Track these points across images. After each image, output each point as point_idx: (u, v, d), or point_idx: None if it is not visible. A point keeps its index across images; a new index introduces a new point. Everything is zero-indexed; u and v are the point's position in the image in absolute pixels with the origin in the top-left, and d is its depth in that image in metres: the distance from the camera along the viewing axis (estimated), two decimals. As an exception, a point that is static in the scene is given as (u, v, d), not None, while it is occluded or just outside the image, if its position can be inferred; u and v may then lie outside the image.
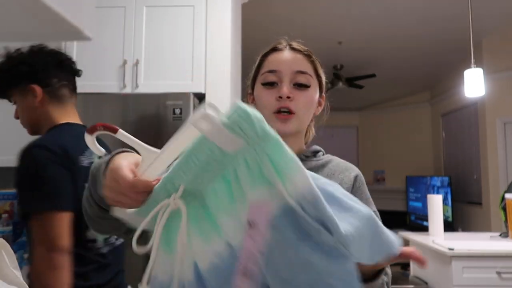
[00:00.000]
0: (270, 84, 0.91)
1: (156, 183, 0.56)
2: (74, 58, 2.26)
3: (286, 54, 0.93)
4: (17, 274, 0.69)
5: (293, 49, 0.94)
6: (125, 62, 2.26)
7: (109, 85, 2.25)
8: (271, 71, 0.91)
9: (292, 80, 0.90)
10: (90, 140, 0.64)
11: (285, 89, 0.88)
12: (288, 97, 0.88)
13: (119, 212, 0.62)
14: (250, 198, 0.50)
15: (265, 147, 0.48)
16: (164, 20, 2.30)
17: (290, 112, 0.88)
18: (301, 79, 0.90)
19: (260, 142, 0.48)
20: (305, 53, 0.94)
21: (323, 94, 0.98)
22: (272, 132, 0.48)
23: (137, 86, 2.24)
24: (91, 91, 2.24)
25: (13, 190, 2.41)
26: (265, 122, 0.48)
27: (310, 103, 0.92)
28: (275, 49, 0.95)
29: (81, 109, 2.14)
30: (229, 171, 0.51)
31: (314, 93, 0.93)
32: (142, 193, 0.57)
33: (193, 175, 0.53)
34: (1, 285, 0.65)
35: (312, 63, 0.94)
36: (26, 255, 2.00)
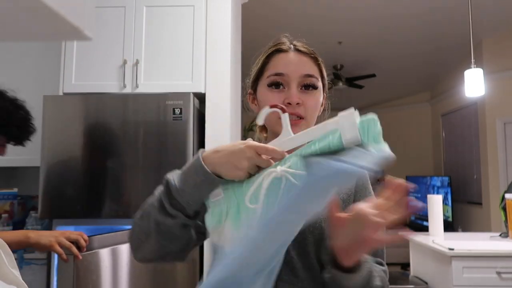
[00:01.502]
0: (276, 87, 0.89)
1: (284, 154, 0.70)
2: (74, 58, 2.28)
3: (292, 56, 0.91)
4: (16, 274, 0.69)
5: (298, 50, 0.92)
6: (125, 62, 2.26)
7: (109, 85, 2.25)
8: (277, 74, 0.89)
9: (300, 83, 0.89)
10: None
11: (294, 96, 0.87)
12: (298, 103, 0.87)
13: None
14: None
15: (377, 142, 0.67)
16: (164, 20, 2.30)
17: (299, 117, 0.88)
18: (309, 82, 0.90)
19: (372, 140, 0.67)
20: (312, 55, 0.93)
21: (324, 94, 0.98)
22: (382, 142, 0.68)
23: (137, 86, 2.24)
24: (91, 91, 2.24)
25: (13, 190, 2.42)
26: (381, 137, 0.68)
27: (317, 106, 0.92)
28: (279, 50, 0.93)
29: (81, 109, 2.14)
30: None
31: (320, 96, 0.93)
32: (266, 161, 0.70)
33: (304, 156, 0.68)
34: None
35: (319, 66, 0.93)
36: (26, 255, 2.00)
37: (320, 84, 0.92)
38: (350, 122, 0.67)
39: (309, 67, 0.91)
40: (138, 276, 1.56)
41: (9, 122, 1.40)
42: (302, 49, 0.93)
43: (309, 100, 0.89)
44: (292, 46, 0.93)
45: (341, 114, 0.69)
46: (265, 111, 0.76)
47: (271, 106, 0.76)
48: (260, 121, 0.77)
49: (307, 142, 0.70)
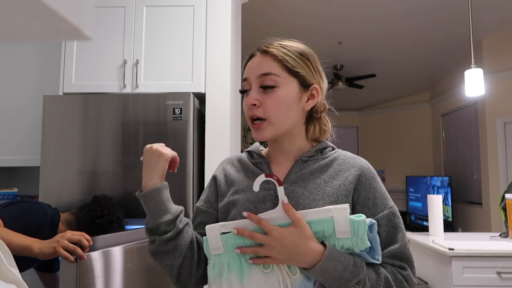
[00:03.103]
0: (244, 92, 0.92)
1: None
2: (74, 58, 2.28)
3: (255, 59, 0.92)
4: (15, 272, 0.69)
5: (263, 51, 0.91)
6: (125, 62, 2.26)
7: (109, 85, 2.25)
8: (244, 79, 0.93)
9: (259, 84, 0.89)
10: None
11: (250, 97, 0.89)
12: (254, 105, 0.88)
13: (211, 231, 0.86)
14: None
15: (359, 246, 0.80)
16: (164, 20, 2.30)
17: (260, 119, 0.88)
18: (266, 81, 0.88)
19: (359, 242, 0.80)
20: (272, 52, 0.89)
21: (315, 86, 0.92)
22: (367, 241, 0.80)
23: (137, 86, 2.24)
24: (91, 91, 2.24)
25: (13, 190, 2.42)
26: (366, 235, 0.80)
27: (281, 103, 0.87)
28: (250, 57, 0.95)
29: (81, 109, 2.14)
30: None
31: (285, 92, 0.88)
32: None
33: None
34: (-1, 284, 0.65)
35: (280, 61, 0.89)
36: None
37: (284, 80, 0.88)
38: (343, 219, 0.80)
39: (266, 66, 0.89)
40: (140, 277, 1.56)
41: (95, 221, 1.65)
42: (267, 48, 0.91)
43: (268, 99, 0.88)
44: (261, 48, 0.92)
45: (336, 207, 0.80)
46: (260, 179, 0.84)
47: (267, 176, 0.84)
48: (256, 188, 0.84)
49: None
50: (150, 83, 2.25)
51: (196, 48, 2.26)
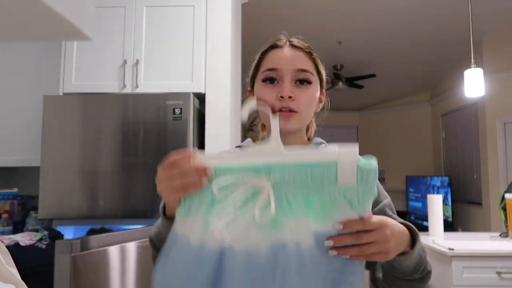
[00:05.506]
0: (270, 82, 0.89)
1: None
2: (74, 58, 2.28)
3: (287, 51, 0.91)
4: (13, 272, 0.69)
5: (293, 46, 0.92)
6: (125, 62, 2.26)
7: (109, 85, 2.25)
8: (271, 69, 0.89)
9: (293, 78, 0.89)
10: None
11: (287, 89, 0.87)
12: (290, 97, 0.87)
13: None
14: (337, 218, 0.66)
15: (367, 197, 0.65)
16: (164, 20, 2.30)
17: (291, 111, 0.88)
18: (304, 77, 0.89)
19: (366, 193, 0.65)
20: (306, 50, 0.92)
21: (324, 91, 0.97)
22: (376, 190, 0.66)
23: (137, 86, 2.24)
24: (91, 91, 2.24)
25: (13, 190, 2.42)
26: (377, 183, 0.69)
27: (311, 101, 0.91)
28: (275, 46, 0.93)
29: (81, 109, 2.14)
30: (323, 194, 0.66)
31: (315, 91, 0.92)
32: (204, 173, 0.68)
33: (292, 177, 0.66)
34: (-2, 284, 0.65)
35: (313, 60, 0.92)
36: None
37: (314, 79, 0.92)
38: (351, 163, 0.65)
39: (303, 62, 0.90)
40: (138, 276, 1.56)
41: None
42: (297, 44, 0.93)
43: (303, 94, 0.89)
44: (287, 42, 0.93)
45: (343, 149, 0.66)
46: (250, 104, 0.74)
47: (259, 101, 0.73)
48: (244, 113, 0.74)
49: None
50: (150, 83, 2.25)
51: (196, 48, 2.26)
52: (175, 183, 0.70)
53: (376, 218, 0.67)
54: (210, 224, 0.67)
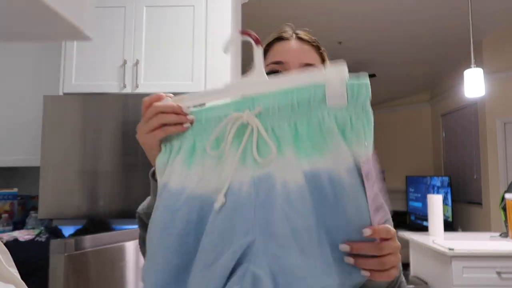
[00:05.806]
0: (270, 73, 0.83)
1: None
2: (74, 58, 2.28)
3: (293, 44, 0.87)
4: (13, 272, 0.69)
5: (300, 39, 0.88)
6: (125, 62, 2.26)
7: (109, 85, 2.25)
8: (277, 62, 0.84)
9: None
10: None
11: None
12: None
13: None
14: (332, 149, 0.57)
15: (360, 118, 0.58)
16: (164, 20, 2.30)
17: None
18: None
19: (359, 112, 0.58)
20: (314, 44, 0.88)
21: None
22: (371, 111, 0.59)
23: (137, 86, 2.24)
24: (91, 91, 2.24)
25: (13, 190, 2.42)
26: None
27: None
28: (281, 38, 0.88)
29: (81, 109, 2.14)
30: (311, 120, 0.58)
31: None
32: (180, 111, 0.68)
33: (277, 105, 0.60)
34: (-2, 284, 0.65)
35: (321, 55, 0.88)
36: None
37: None
38: (339, 80, 0.59)
39: (311, 56, 0.86)
40: (135, 276, 1.56)
41: None
42: (304, 37, 0.88)
43: None
44: (294, 34, 0.89)
45: (330, 69, 0.61)
46: (232, 38, 0.66)
47: (243, 34, 0.65)
48: (225, 49, 0.68)
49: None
50: (150, 83, 2.25)
51: (196, 48, 2.26)
52: (150, 122, 0.69)
53: (382, 225, 0.57)
54: (191, 166, 0.63)
